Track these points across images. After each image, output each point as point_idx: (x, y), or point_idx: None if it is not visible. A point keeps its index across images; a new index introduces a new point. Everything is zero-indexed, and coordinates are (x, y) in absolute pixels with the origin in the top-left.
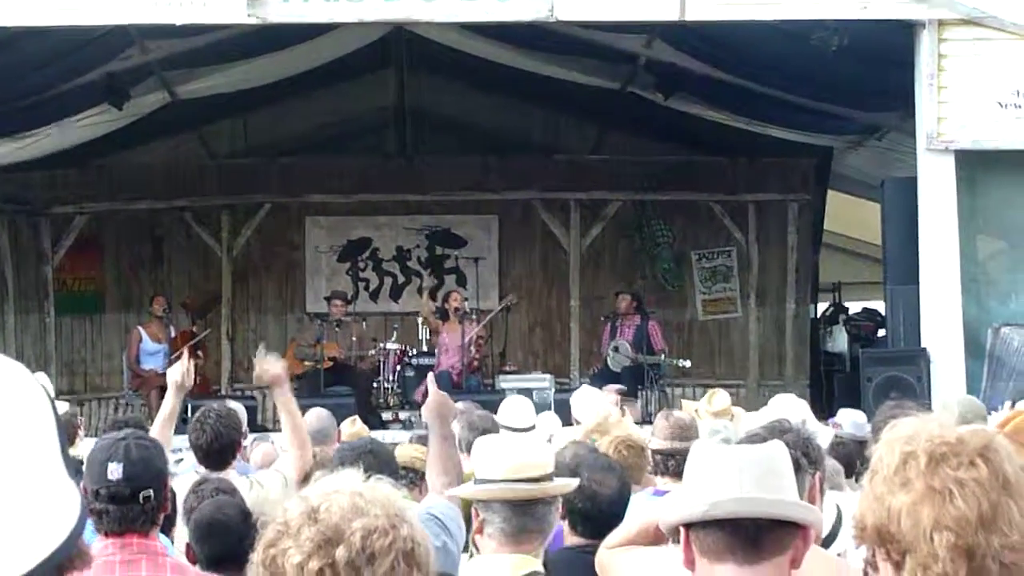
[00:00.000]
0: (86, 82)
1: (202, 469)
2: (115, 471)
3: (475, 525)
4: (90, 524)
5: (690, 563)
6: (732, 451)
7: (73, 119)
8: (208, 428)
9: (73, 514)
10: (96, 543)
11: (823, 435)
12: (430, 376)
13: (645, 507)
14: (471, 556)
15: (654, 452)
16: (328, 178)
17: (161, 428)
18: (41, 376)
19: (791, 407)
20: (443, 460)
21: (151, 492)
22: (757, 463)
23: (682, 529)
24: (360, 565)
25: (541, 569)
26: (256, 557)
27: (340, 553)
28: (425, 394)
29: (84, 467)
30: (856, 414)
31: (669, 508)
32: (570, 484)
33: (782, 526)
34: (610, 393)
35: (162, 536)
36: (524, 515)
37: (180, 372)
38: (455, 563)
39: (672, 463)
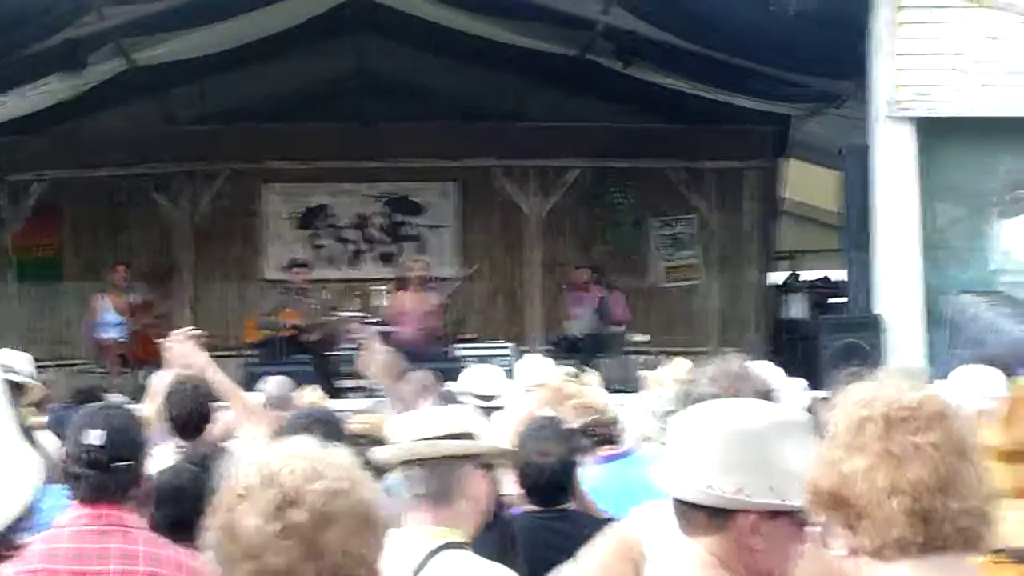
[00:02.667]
0: (43, 49)
1: (179, 441)
2: (96, 437)
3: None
4: (63, 489)
5: None
6: (701, 427)
7: (31, 86)
8: (184, 400)
9: (38, 474)
10: (69, 511)
11: (799, 399)
12: (373, 335)
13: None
14: None
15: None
16: (286, 145)
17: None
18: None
19: (767, 373)
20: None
21: (130, 463)
22: (726, 442)
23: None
24: (319, 527)
25: (460, 539)
26: (212, 521)
27: (299, 515)
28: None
29: (67, 432)
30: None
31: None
32: (486, 445)
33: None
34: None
35: None
36: (440, 478)
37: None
38: None
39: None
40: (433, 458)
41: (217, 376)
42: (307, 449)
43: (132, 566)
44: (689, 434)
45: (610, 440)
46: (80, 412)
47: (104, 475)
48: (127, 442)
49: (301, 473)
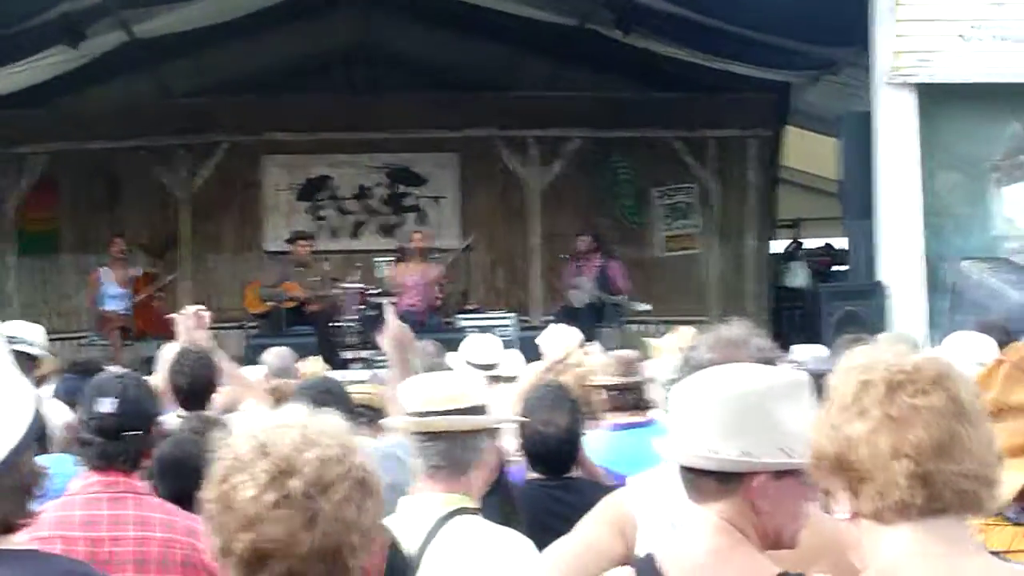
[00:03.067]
0: (42, 22)
1: (182, 411)
2: (107, 405)
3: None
4: (71, 457)
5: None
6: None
7: (29, 59)
8: (188, 369)
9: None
10: (79, 479)
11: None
12: (387, 307)
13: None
14: None
15: (605, 389)
16: (286, 116)
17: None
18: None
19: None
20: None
21: (140, 432)
22: (731, 407)
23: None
24: (315, 495)
25: (472, 505)
26: (208, 494)
27: (295, 484)
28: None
29: (80, 400)
30: (816, 348)
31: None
32: (494, 419)
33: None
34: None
35: None
36: (459, 450)
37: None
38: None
39: (625, 396)
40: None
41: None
42: (299, 418)
43: (149, 532)
44: (689, 401)
45: (636, 406)
46: (93, 380)
47: (115, 443)
48: (138, 411)
49: (292, 442)
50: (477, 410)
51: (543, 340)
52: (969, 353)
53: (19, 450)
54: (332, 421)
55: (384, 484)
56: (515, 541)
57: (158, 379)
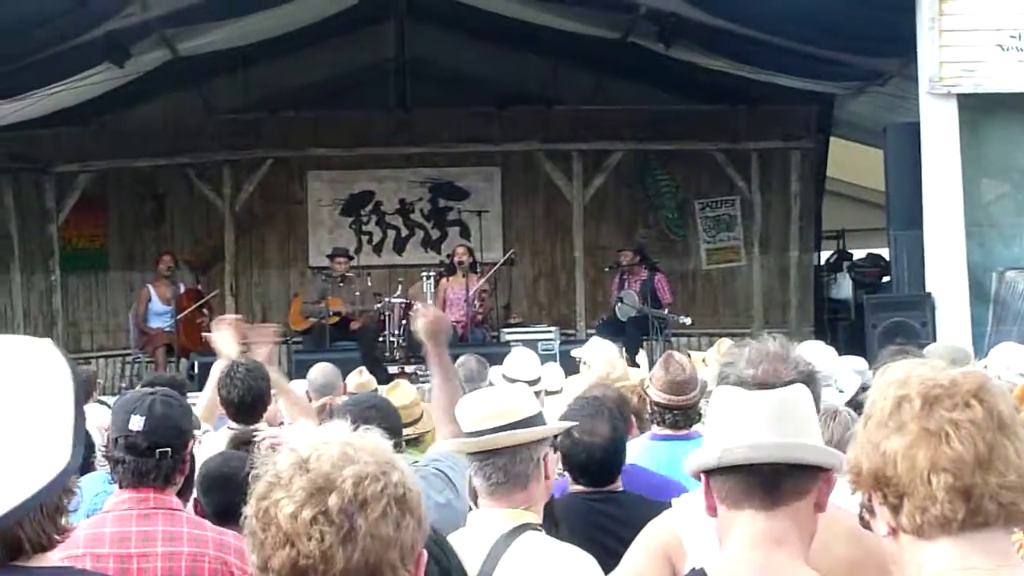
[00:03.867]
0: (87, 40)
1: (233, 424)
2: (136, 423)
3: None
4: (106, 473)
5: (712, 510)
6: (750, 396)
7: (76, 78)
8: (239, 382)
9: (54, 469)
10: (112, 497)
11: (849, 383)
12: (413, 293)
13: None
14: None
15: (652, 403)
16: (329, 132)
17: (214, 394)
18: (45, 342)
19: (818, 354)
20: (448, 405)
21: (168, 450)
22: (775, 407)
23: (702, 476)
24: (352, 512)
25: (535, 520)
26: (249, 510)
27: (332, 501)
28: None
29: (110, 418)
30: (855, 360)
31: (690, 456)
32: (554, 428)
33: (802, 470)
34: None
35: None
36: (519, 464)
37: (228, 344)
38: (458, 520)
39: (669, 417)
40: (511, 447)
41: (272, 373)
42: (339, 435)
43: (177, 547)
44: (759, 406)
45: (681, 424)
46: (124, 398)
47: (144, 460)
48: (168, 427)
49: (331, 459)
50: (531, 422)
51: (584, 353)
52: (1014, 363)
53: (67, 472)
54: (373, 439)
55: (434, 503)
56: (581, 560)
57: (207, 394)
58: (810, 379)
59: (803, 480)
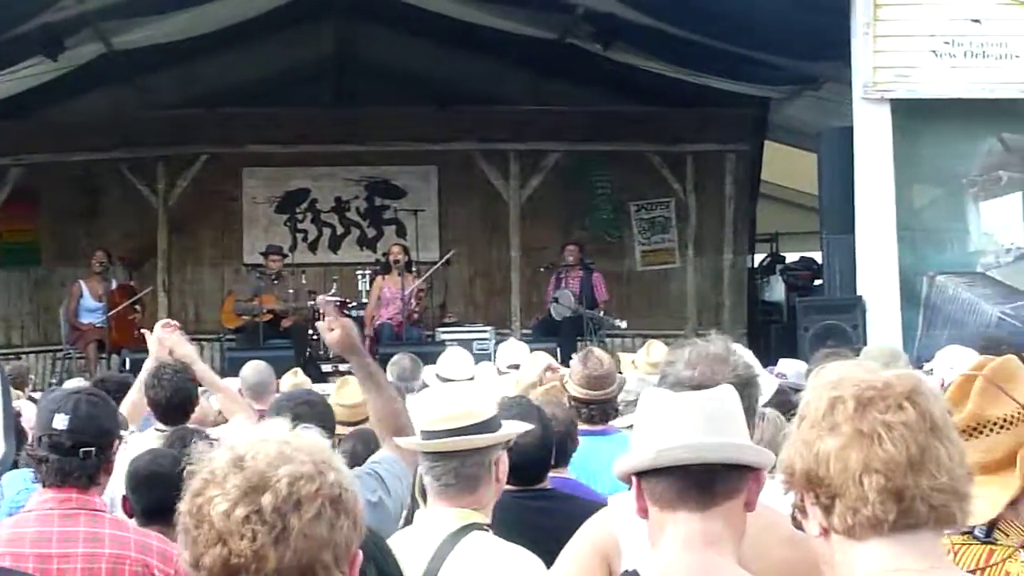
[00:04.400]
0: (21, 33)
1: (160, 426)
2: (60, 422)
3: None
4: (30, 474)
5: (643, 511)
6: (679, 397)
7: (8, 70)
8: (166, 383)
9: None
10: (35, 496)
11: (768, 384)
12: (321, 300)
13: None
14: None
15: (570, 397)
16: (266, 128)
17: (140, 394)
18: None
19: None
20: (385, 415)
21: (92, 449)
22: (704, 408)
23: (633, 478)
24: (286, 511)
25: (483, 520)
26: (183, 506)
27: (266, 500)
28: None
29: (35, 416)
30: (798, 363)
31: (620, 458)
32: (508, 433)
33: (734, 470)
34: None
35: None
36: (472, 467)
37: (180, 344)
38: (390, 518)
39: (585, 411)
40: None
41: (201, 367)
42: (276, 433)
43: (98, 548)
44: (692, 406)
45: (602, 420)
46: (50, 396)
47: (68, 459)
48: (92, 427)
49: (266, 457)
50: (486, 426)
51: (502, 353)
52: (958, 366)
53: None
54: (311, 437)
55: (366, 501)
56: (527, 560)
57: (135, 394)
58: (749, 383)
59: (735, 480)
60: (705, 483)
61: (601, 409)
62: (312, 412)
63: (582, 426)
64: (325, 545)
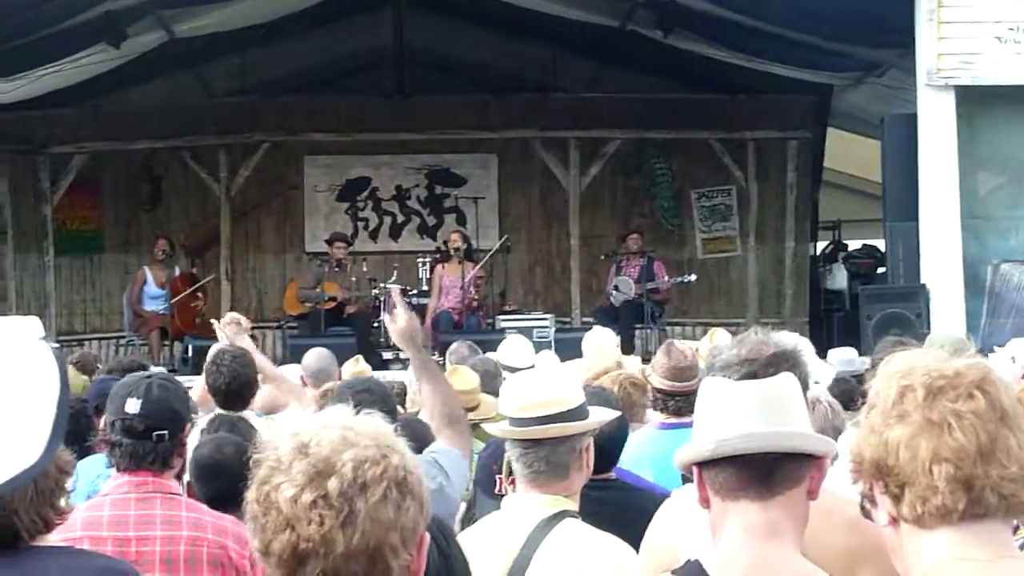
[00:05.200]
0: (83, 21)
1: (221, 412)
2: (133, 406)
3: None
4: (104, 459)
5: (704, 501)
6: (739, 386)
7: (71, 58)
8: (225, 369)
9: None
10: (111, 480)
11: (825, 373)
12: (395, 291)
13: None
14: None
15: (654, 389)
16: (326, 117)
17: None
18: (32, 320)
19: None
20: (441, 408)
21: (165, 432)
22: (764, 396)
23: (694, 468)
24: (352, 495)
25: (572, 507)
26: (251, 494)
27: (332, 484)
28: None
29: (109, 402)
30: (845, 351)
31: (680, 449)
32: (598, 420)
33: (795, 459)
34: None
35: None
36: (562, 455)
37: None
38: (450, 505)
39: (672, 403)
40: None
41: (259, 358)
42: (339, 419)
43: (176, 531)
44: (749, 395)
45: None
46: (121, 381)
47: (141, 443)
48: (164, 411)
49: (331, 443)
50: (575, 413)
51: (587, 342)
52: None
53: (50, 449)
54: (374, 422)
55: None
56: (619, 548)
57: (202, 380)
58: (792, 357)
59: (796, 469)
60: (766, 472)
61: (687, 401)
62: (372, 399)
63: (668, 419)
64: (392, 527)
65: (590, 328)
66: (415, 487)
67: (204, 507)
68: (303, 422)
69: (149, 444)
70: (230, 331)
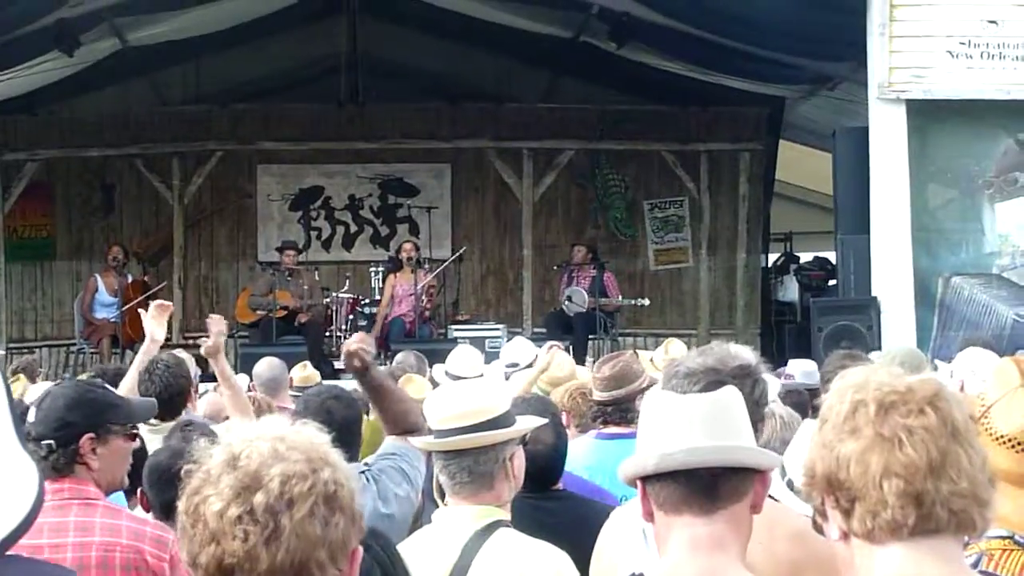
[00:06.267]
0: (37, 28)
1: (152, 421)
2: (31, 415)
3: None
4: None
5: (649, 515)
6: (682, 400)
7: (24, 66)
8: (157, 378)
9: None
10: None
11: (771, 384)
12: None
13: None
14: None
15: (594, 400)
16: (280, 125)
17: (136, 377)
18: None
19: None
20: (397, 413)
21: (52, 442)
22: (708, 410)
23: (638, 482)
24: (279, 510)
25: (505, 517)
26: (181, 506)
27: (258, 499)
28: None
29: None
30: (806, 363)
31: (624, 462)
32: (520, 429)
33: (739, 473)
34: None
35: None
36: (485, 463)
37: (159, 327)
38: (413, 510)
39: (612, 411)
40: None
41: (222, 363)
42: (272, 430)
43: (88, 537)
44: (696, 408)
45: (624, 420)
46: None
47: (39, 452)
48: (51, 420)
49: (260, 456)
50: (498, 422)
51: (507, 352)
52: (979, 370)
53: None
54: (308, 433)
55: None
56: (556, 556)
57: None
58: (756, 371)
59: (740, 483)
60: (710, 486)
61: (620, 409)
62: (341, 405)
63: (605, 429)
64: (319, 543)
65: (543, 337)
66: (346, 501)
67: (123, 511)
68: (237, 433)
69: (44, 452)
70: (215, 328)
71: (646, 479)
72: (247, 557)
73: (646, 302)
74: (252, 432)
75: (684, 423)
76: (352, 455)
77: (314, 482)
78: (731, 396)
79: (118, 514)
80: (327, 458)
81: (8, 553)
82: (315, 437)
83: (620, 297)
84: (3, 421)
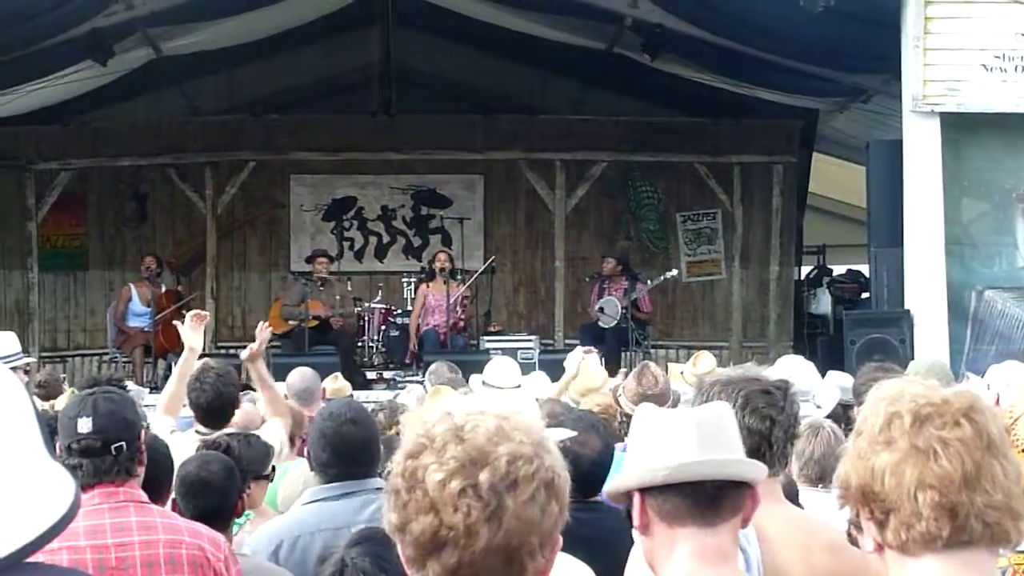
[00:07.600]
0: (70, 38)
1: (201, 428)
2: (84, 425)
3: None
4: None
5: (644, 527)
6: (674, 414)
7: (58, 75)
8: (208, 386)
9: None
10: (83, 494)
11: (829, 397)
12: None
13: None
14: None
15: (621, 413)
16: (312, 136)
17: (178, 386)
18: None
19: (798, 369)
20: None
21: (123, 443)
22: (701, 424)
23: (636, 494)
24: (502, 491)
25: None
26: (395, 467)
27: (484, 476)
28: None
29: (59, 426)
30: (842, 376)
31: (625, 473)
32: (555, 437)
33: (738, 486)
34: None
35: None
36: None
37: (196, 337)
38: None
39: None
40: None
41: (260, 367)
42: (497, 408)
43: (153, 535)
44: (686, 423)
45: None
46: (68, 403)
47: (102, 460)
48: (115, 423)
49: (486, 432)
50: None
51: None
52: (1015, 383)
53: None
54: (529, 417)
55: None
56: (579, 571)
57: (166, 392)
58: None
59: (739, 496)
60: (714, 499)
61: None
62: (358, 430)
63: None
64: (535, 528)
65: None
66: (561, 491)
67: (176, 515)
68: (454, 403)
69: (110, 458)
70: (263, 335)
71: (645, 491)
72: (466, 532)
73: (674, 272)
74: (472, 404)
75: (682, 436)
76: (370, 470)
77: (538, 467)
78: (723, 411)
79: (173, 515)
80: (547, 444)
81: (29, 562)
82: (535, 421)
83: (649, 314)
84: (30, 432)
